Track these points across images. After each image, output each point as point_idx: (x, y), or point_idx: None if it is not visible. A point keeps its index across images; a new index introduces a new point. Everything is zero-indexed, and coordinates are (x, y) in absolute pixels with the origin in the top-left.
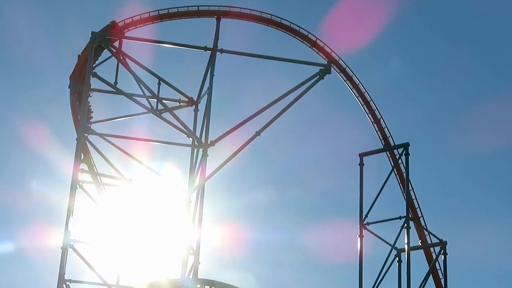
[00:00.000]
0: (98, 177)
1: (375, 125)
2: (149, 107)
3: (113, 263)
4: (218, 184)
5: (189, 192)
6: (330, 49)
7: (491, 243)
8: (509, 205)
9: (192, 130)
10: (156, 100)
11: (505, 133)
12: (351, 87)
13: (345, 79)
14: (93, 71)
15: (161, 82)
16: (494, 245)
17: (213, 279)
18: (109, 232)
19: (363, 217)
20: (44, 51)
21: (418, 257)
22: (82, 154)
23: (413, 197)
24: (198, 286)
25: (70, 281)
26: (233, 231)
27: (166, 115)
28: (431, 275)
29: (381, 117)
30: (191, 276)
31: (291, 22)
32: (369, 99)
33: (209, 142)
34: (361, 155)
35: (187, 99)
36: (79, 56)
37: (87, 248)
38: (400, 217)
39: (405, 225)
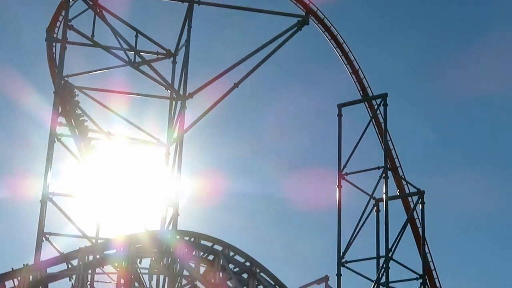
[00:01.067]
0: (76, 130)
1: (353, 76)
2: (127, 59)
3: (92, 216)
4: (196, 136)
5: (168, 144)
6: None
7: (468, 191)
8: (485, 153)
9: (170, 82)
10: (133, 52)
11: (484, 81)
12: (329, 38)
13: (323, 30)
14: (70, 23)
15: (138, 34)
16: (471, 194)
17: (193, 230)
18: (88, 185)
19: (342, 168)
20: (21, 3)
21: (396, 206)
22: (60, 107)
23: (391, 147)
24: (178, 237)
25: (50, 234)
26: (212, 183)
27: (144, 68)
28: (409, 224)
29: (359, 67)
30: (170, 228)
31: None
32: (347, 50)
33: (187, 94)
34: (340, 106)
35: (165, 52)
36: None
37: (66, 201)
38: (378, 167)
39: (383, 175)
